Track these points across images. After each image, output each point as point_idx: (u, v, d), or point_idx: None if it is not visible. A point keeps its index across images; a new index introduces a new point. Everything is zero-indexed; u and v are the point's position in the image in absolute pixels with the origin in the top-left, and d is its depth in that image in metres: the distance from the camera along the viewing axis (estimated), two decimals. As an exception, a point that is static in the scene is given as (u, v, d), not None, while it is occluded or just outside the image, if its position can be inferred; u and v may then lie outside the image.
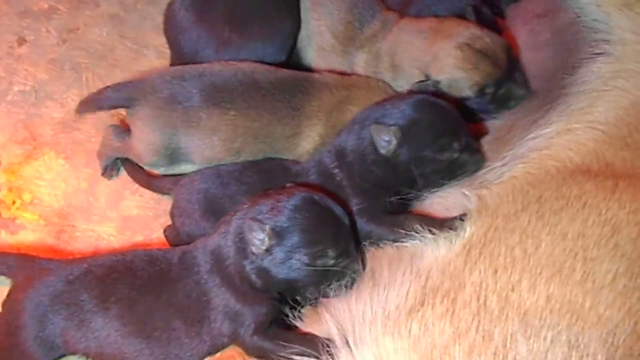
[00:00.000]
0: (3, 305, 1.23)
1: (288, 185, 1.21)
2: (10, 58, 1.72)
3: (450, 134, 1.25)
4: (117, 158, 1.52)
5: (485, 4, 1.59)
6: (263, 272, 1.12)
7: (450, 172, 1.27)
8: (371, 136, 1.24)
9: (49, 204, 1.53)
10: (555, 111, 1.24)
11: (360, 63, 1.53)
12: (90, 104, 1.45)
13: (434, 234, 1.13)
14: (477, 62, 1.41)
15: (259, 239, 1.09)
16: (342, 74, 1.51)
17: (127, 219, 1.51)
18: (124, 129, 1.49)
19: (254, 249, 1.10)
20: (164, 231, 1.43)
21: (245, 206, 1.16)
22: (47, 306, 1.17)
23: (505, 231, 1.01)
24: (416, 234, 1.15)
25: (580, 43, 1.35)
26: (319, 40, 1.58)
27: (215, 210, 1.30)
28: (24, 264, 1.27)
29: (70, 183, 1.55)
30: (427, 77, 1.42)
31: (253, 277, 1.12)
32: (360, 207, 1.24)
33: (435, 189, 1.28)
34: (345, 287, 1.13)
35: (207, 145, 1.37)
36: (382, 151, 1.23)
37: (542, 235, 0.97)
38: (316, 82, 1.43)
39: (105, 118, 1.59)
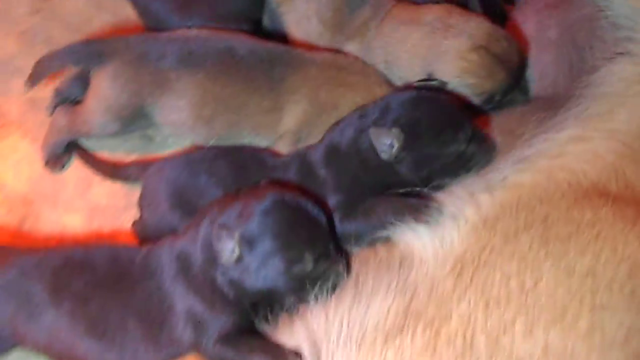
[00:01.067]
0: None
1: (261, 183, 1.13)
2: (-22, 27, 1.60)
3: (453, 126, 1.16)
4: (65, 150, 1.42)
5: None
6: (236, 283, 1.04)
7: (461, 166, 1.18)
8: (370, 141, 1.15)
9: (12, 189, 1.42)
10: (569, 114, 1.12)
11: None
12: (56, 58, 1.35)
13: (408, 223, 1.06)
14: (493, 69, 1.30)
15: (228, 249, 1.02)
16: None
17: (95, 208, 1.40)
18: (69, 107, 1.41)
19: (223, 260, 1.03)
20: (132, 224, 1.33)
21: (214, 210, 1.08)
22: None
23: (502, 255, 0.89)
24: (391, 223, 1.08)
25: (598, 41, 1.24)
26: (305, 26, 1.45)
27: (183, 203, 1.23)
28: None
29: (35, 167, 1.44)
30: (431, 77, 1.31)
31: (226, 288, 1.06)
32: (338, 205, 1.16)
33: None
34: (326, 293, 1.04)
35: (174, 108, 1.31)
36: (384, 156, 1.15)
37: (543, 266, 0.85)
38: (301, 56, 1.35)
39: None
